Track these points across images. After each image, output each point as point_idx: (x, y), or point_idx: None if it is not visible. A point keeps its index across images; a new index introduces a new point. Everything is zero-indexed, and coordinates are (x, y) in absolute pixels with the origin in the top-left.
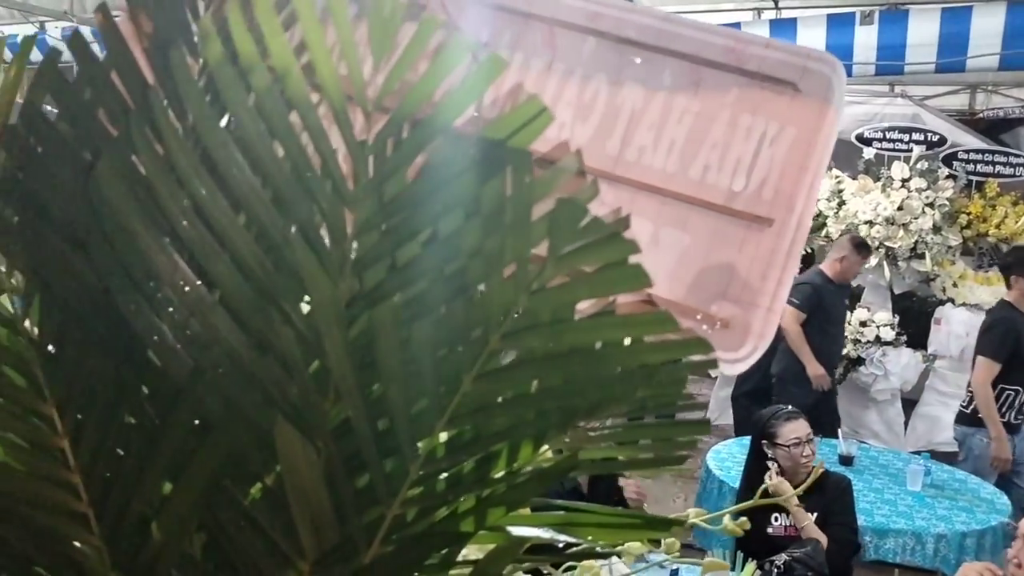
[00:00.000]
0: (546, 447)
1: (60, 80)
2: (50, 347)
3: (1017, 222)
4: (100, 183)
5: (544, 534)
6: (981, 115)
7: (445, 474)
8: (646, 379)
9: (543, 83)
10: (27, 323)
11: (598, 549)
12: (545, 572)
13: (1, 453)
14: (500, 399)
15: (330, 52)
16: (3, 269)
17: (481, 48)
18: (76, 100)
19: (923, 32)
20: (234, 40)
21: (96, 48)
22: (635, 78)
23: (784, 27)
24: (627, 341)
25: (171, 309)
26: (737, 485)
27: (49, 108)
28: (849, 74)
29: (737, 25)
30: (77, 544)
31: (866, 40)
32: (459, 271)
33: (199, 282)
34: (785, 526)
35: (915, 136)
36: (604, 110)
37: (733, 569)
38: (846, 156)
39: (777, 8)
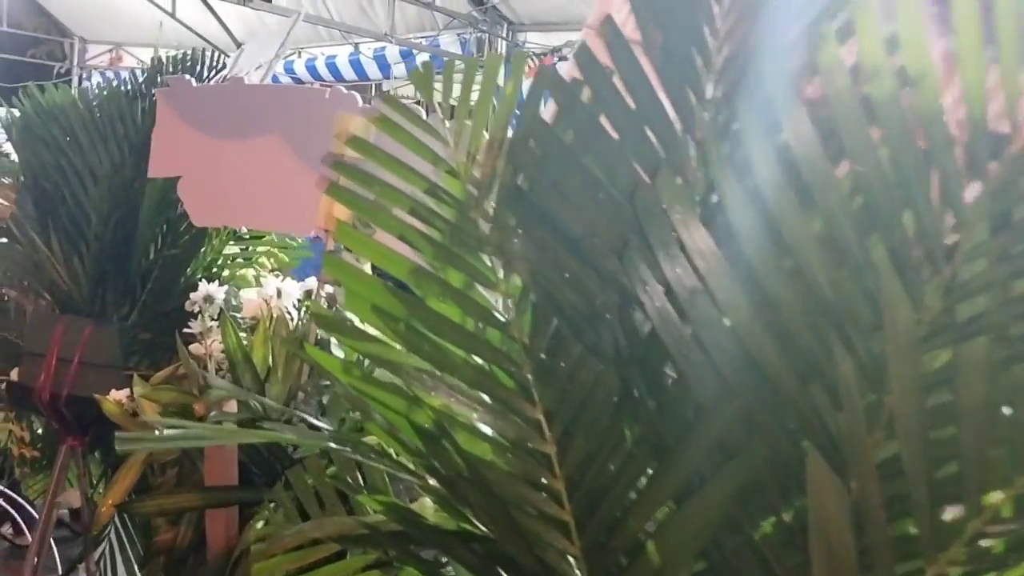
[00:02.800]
0: None
1: (564, 90)
2: (542, 354)
3: None
4: (644, 199)
5: None
6: None
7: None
8: None
9: None
10: (520, 327)
11: None
12: None
13: (489, 451)
14: None
15: (981, 63)
16: (500, 273)
17: None
18: (580, 109)
19: None
20: (860, 41)
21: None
22: None
23: None
24: None
25: (698, 324)
26: None
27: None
28: None
29: None
30: (557, 551)
31: None
32: None
33: (742, 300)
34: None
35: None
36: None
37: None
38: None
39: None
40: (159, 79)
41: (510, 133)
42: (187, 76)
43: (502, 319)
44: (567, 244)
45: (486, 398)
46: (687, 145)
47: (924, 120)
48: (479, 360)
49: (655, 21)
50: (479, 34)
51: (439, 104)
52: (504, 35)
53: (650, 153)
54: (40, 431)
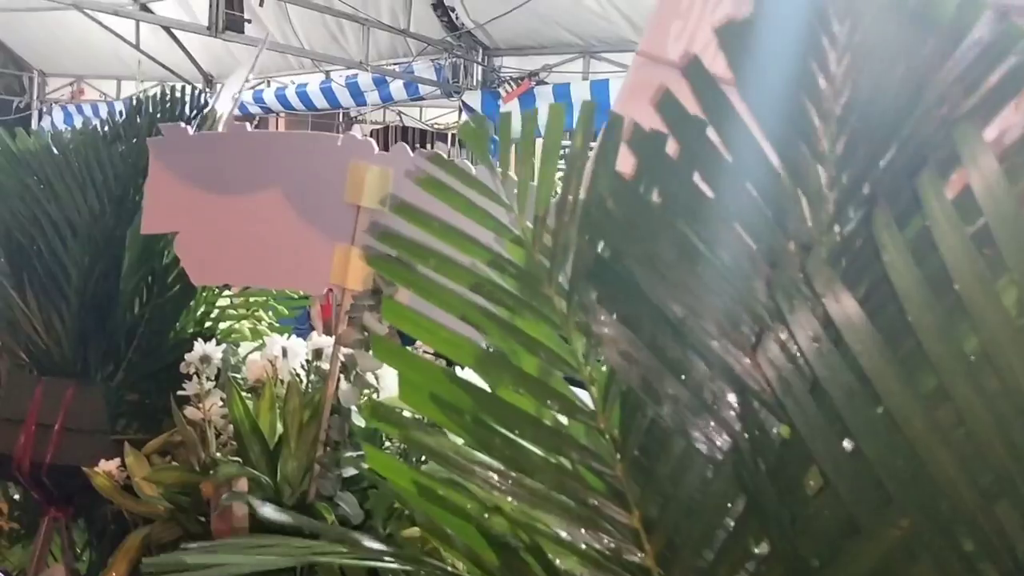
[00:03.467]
0: None
1: (646, 143)
2: (635, 451)
3: None
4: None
5: None
6: None
7: None
8: None
9: None
10: (608, 419)
11: None
12: None
13: (578, 565)
14: None
15: None
16: (581, 356)
17: None
18: (666, 165)
19: None
20: None
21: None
22: None
23: None
24: None
25: (853, 426)
26: None
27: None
28: None
29: None
30: None
31: None
32: None
33: (909, 396)
34: None
35: None
36: None
37: None
38: None
39: None
40: (138, 120)
41: (583, 194)
42: (182, 124)
43: (587, 410)
44: (664, 324)
45: (571, 503)
46: (800, 206)
47: None
48: (562, 459)
49: (751, 61)
50: (454, 60)
51: (494, 164)
52: (480, 60)
53: (758, 218)
54: (18, 497)
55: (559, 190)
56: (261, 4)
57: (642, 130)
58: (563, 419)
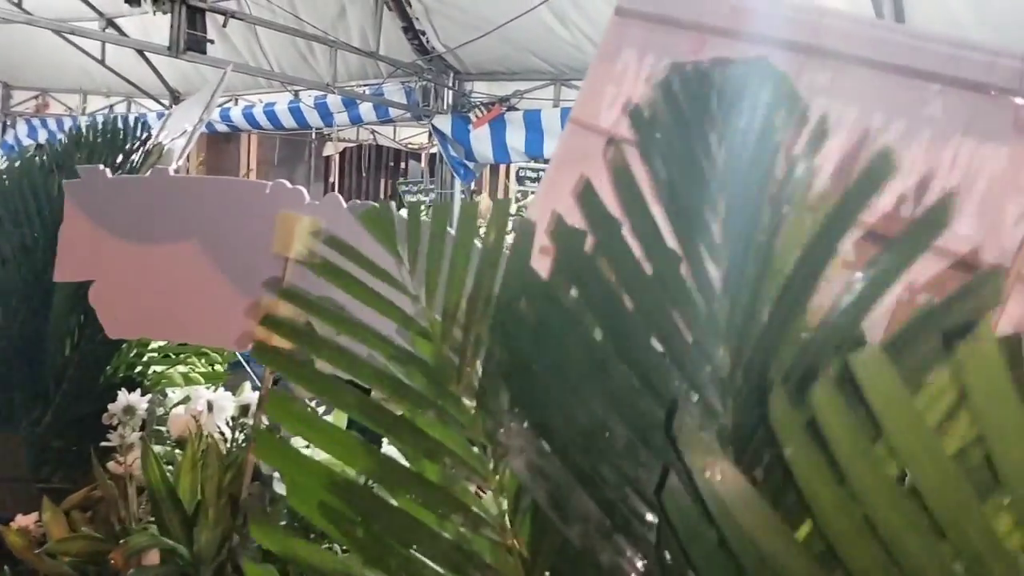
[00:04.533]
0: None
1: (570, 241)
2: (546, 573)
3: None
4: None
5: None
6: None
7: None
8: None
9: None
10: (517, 536)
11: None
12: None
13: None
14: None
15: None
16: (491, 465)
17: None
18: (582, 262)
19: None
20: None
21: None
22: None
23: None
24: None
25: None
26: None
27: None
28: None
29: None
30: None
31: None
32: None
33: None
34: None
35: None
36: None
37: None
38: None
39: None
40: (78, 151)
41: (496, 289)
42: (101, 166)
43: (493, 525)
44: (576, 435)
45: None
46: (706, 307)
47: None
48: None
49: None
50: (424, 83)
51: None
52: (450, 84)
53: (669, 327)
54: None
55: (470, 284)
56: (224, 25)
57: (564, 224)
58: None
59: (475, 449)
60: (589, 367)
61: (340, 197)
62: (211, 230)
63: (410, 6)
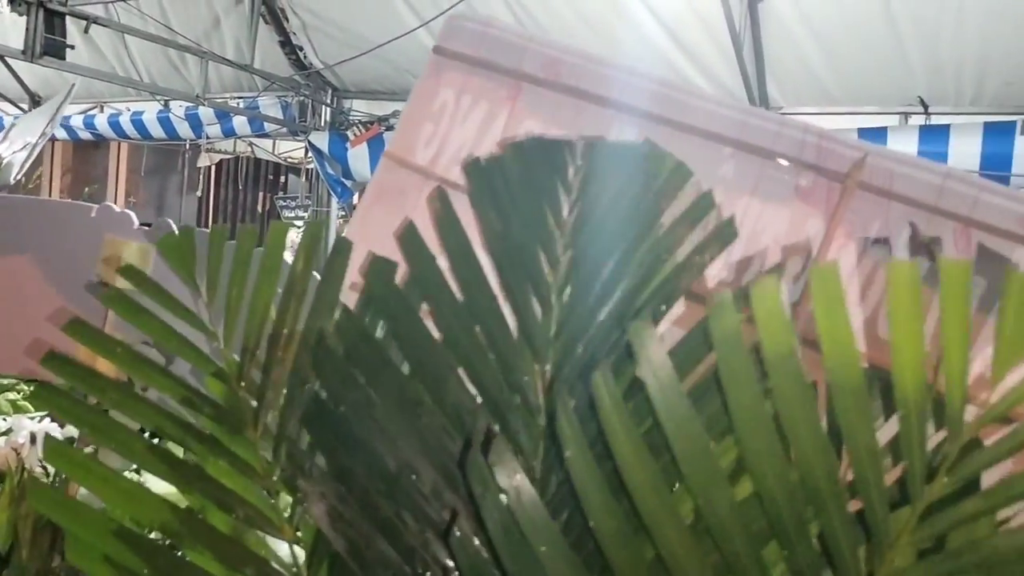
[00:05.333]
0: None
1: (381, 273)
2: None
3: None
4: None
5: None
6: None
7: None
8: None
9: None
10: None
11: None
12: None
13: None
14: None
15: None
16: (288, 512)
17: None
18: (402, 304)
19: None
20: None
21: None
22: None
23: (935, 135)
24: None
25: None
26: None
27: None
28: (1007, 185)
29: (883, 131)
30: None
31: None
32: None
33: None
34: None
35: None
36: None
37: None
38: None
39: (927, 113)
40: None
41: (301, 324)
42: None
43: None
44: (379, 479)
45: None
46: (524, 349)
47: None
48: None
49: (493, 200)
50: (302, 99)
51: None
52: (328, 102)
53: (484, 368)
54: None
55: (275, 317)
56: (86, 31)
57: (378, 258)
58: None
59: (271, 500)
60: (398, 405)
61: (172, 223)
62: (32, 251)
63: (287, 20)
